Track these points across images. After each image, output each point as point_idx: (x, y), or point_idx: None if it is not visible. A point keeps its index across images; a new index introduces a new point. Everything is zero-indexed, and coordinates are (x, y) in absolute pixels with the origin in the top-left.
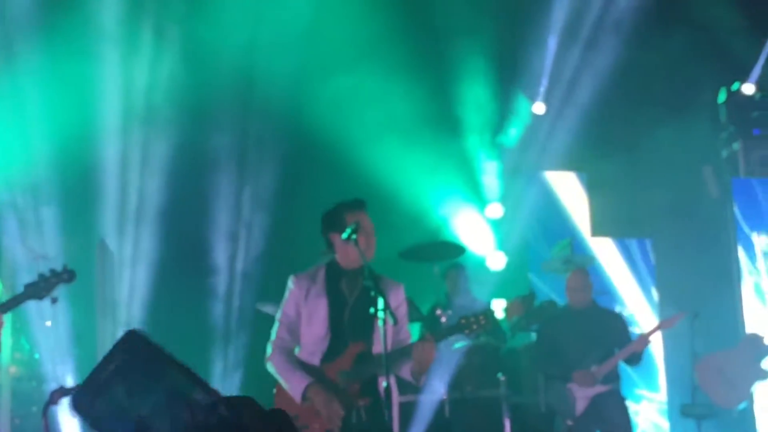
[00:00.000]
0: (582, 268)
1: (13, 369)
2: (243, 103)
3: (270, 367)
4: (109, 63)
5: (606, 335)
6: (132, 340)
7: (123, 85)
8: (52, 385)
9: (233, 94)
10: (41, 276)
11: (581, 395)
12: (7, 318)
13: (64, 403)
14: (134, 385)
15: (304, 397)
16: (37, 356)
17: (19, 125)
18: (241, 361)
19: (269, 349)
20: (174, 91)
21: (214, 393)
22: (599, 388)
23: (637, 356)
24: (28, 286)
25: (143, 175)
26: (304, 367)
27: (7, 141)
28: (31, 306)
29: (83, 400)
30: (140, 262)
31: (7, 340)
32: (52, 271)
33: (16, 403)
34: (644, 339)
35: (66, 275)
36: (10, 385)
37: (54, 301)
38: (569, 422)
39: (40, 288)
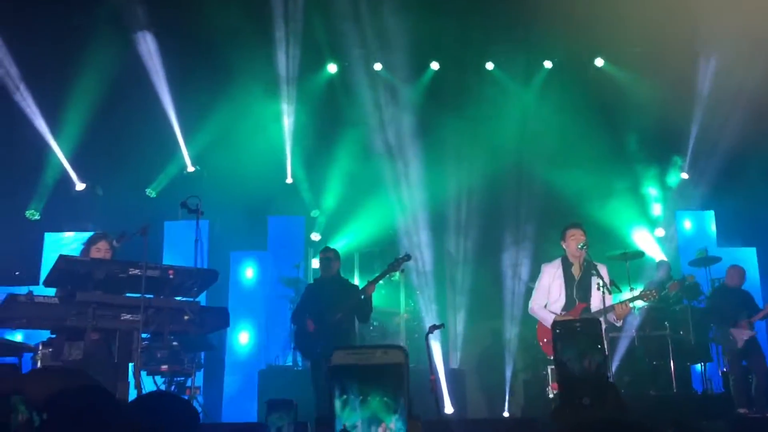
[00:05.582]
0: (735, 265)
1: (405, 315)
2: (516, 174)
3: (531, 312)
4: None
5: (749, 303)
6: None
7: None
8: (427, 323)
9: (510, 170)
10: (396, 259)
11: (740, 337)
12: (400, 286)
13: (435, 334)
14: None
15: (553, 325)
16: (417, 308)
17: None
18: (519, 318)
19: (530, 304)
20: (480, 171)
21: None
22: (750, 333)
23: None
24: (390, 265)
25: (468, 219)
26: (551, 313)
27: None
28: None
29: None
30: (466, 258)
31: (403, 298)
32: (400, 257)
33: (408, 332)
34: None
35: (407, 258)
36: (405, 323)
37: (402, 270)
38: (728, 356)
39: (395, 265)
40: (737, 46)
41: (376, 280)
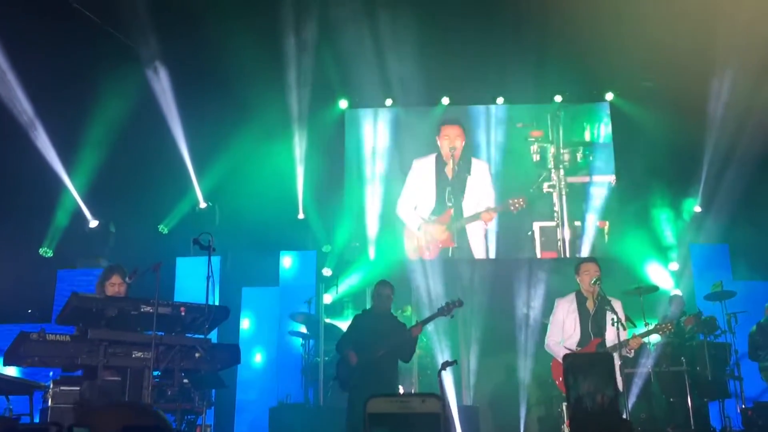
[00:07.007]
0: None
1: (417, 351)
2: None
3: (547, 349)
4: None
5: None
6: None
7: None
8: (440, 359)
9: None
10: (447, 303)
11: None
12: (412, 322)
13: (447, 370)
14: (579, 376)
15: (564, 358)
16: (430, 344)
17: None
18: (533, 353)
19: (546, 341)
20: None
21: (615, 392)
22: None
23: None
24: (440, 309)
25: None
26: (566, 350)
27: None
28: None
29: None
30: (478, 292)
31: None
32: (452, 301)
33: (420, 369)
34: None
35: (459, 303)
36: (417, 360)
37: (452, 316)
38: None
39: (445, 310)
40: (750, 69)
41: (425, 322)
